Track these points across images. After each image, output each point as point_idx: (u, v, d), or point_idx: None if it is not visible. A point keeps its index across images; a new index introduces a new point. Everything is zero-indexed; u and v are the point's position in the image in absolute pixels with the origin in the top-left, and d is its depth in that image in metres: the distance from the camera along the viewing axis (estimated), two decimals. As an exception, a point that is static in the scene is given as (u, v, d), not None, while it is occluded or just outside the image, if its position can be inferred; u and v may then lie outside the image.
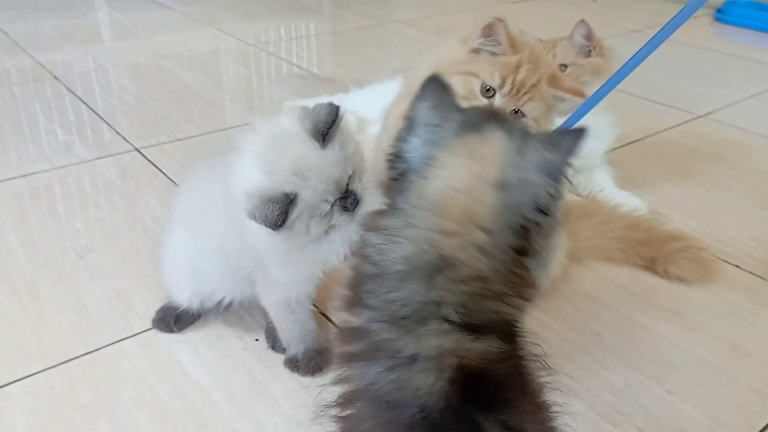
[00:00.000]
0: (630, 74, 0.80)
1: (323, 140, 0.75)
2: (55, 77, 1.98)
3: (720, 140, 1.66)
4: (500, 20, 0.88)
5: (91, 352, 0.95)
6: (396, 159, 0.55)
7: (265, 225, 0.74)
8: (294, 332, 0.91)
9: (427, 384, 0.48)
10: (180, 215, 0.93)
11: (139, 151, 1.54)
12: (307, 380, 0.90)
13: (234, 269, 0.88)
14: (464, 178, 0.51)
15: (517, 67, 0.88)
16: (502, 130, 0.53)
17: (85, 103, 1.80)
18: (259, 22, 2.68)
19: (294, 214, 0.75)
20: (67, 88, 1.90)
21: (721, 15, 2.74)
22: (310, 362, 0.91)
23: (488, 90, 0.89)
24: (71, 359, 0.93)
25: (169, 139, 1.60)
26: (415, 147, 0.54)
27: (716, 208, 1.35)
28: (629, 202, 1.31)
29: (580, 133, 0.52)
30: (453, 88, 0.59)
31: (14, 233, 1.22)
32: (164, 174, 1.43)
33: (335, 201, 0.78)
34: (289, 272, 0.85)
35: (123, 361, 0.93)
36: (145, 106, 1.80)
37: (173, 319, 0.98)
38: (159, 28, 2.55)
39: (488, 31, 0.89)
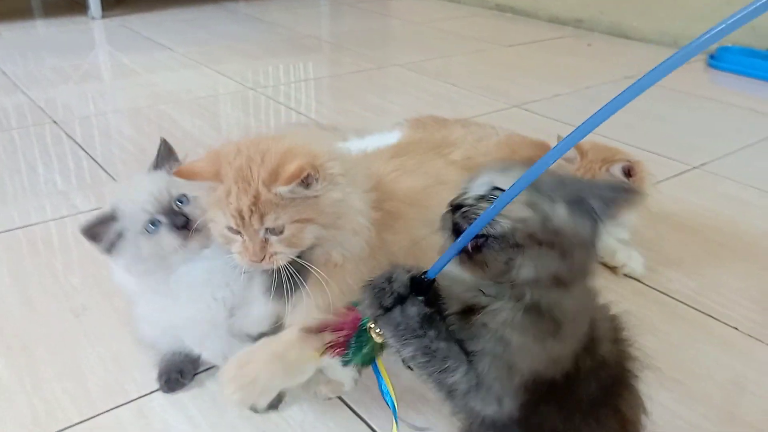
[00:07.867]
0: (609, 118, 0.70)
1: (155, 166, 0.94)
2: (54, 121, 1.99)
3: (716, 194, 1.67)
4: (181, 167, 0.81)
5: (86, 420, 0.93)
6: None
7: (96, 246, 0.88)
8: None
9: None
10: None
11: (137, 202, 1.53)
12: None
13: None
14: None
15: (227, 195, 0.76)
16: None
17: (84, 150, 1.80)
18: (258, 63, 2.70)
19: (117, 228, 0.87)
20: (66, 134, 1.90)
21: (714, 61, 2.78)
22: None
23: (231, 229, 0.79)
24: (65, 428, 0.92)
25: (168, 189, 1.60)
26: None
27: (716, 268, 1.35)
28: (628, 256, 1.32)
29: None
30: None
31: (11, 290, 1.21)
32: (163, 226, 1.43)
33: (161, 216, 0.87)
34: (153, 327, 0.98)
35: (117, 431, 0.92)
36: (144, 154, 1.80)
37: (179, 375, 0.99)
38: (159, 70, 2.57)
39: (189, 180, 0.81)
